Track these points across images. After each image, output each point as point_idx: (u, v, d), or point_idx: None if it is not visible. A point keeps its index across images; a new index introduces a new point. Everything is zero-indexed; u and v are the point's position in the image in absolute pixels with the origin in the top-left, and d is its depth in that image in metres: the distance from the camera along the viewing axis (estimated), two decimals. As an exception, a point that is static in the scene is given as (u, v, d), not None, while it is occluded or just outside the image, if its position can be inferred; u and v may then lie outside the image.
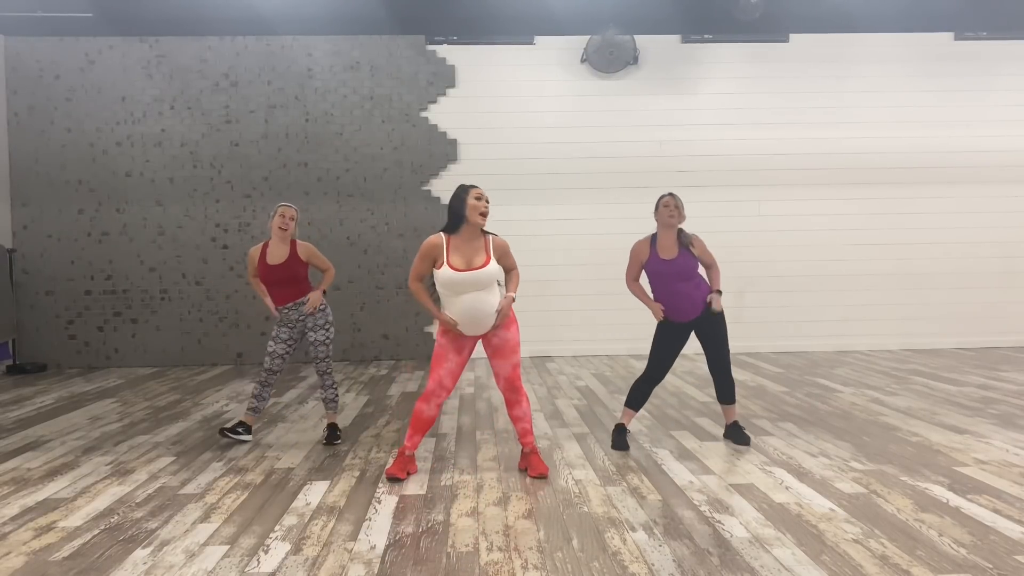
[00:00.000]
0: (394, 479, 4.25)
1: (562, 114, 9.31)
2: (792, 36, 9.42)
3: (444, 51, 9.27)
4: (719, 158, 9.35)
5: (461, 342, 4.27)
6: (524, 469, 4.40)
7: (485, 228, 4.26)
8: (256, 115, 9.15)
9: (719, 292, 4.86)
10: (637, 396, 4.99)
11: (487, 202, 4.19)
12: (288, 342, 5.13)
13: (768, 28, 9.20)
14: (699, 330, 4.88)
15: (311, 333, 5.16)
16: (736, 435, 4.97)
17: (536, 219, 9.21)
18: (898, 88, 9.44)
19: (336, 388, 5.30)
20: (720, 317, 4.85)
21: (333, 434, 5.17)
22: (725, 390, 4.95)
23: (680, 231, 4.92)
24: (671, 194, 4.96)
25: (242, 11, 8.65)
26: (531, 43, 9.32)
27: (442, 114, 9.27)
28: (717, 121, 9.36)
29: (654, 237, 4.93)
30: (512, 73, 9.31)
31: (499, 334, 4.26)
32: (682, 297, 4.80)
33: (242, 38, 9.12)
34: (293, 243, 5.17)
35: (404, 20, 9.02)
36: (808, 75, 9.42)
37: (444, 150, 9.26)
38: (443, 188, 9.25)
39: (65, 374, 8.66)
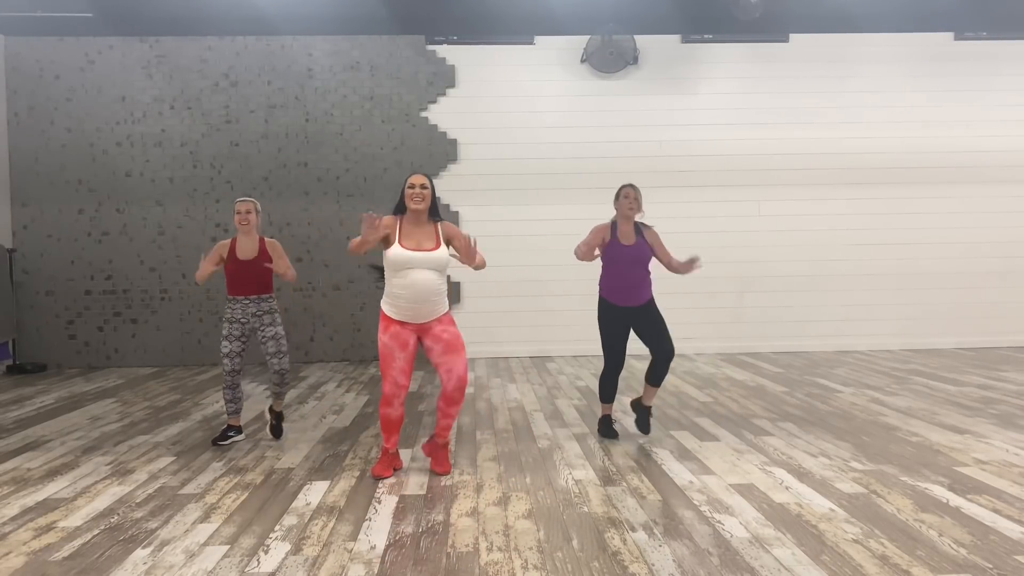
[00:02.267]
0: (380, 478, 4.29)
1: (562, 114, 9.31)
2: (792, 36, 9.42)
3: (444, 51, 9.26)
4: (719, 158, 9.35)
5: (404, 337, 4.23)
6: (428, 456, 4.49)
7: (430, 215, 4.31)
8: (256, 115, 9.15)
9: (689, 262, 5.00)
10: (608, 390, 5.20)
11: (422, 187, 4.23)
12: (241, 339, 5.11)
13: (768, 28, 9.20)
14: (638, 318, 5.07)
15: (267, 329, 5.12)
16: (642, 421, 5.17)
17: (536, 219, 9.20)
18: (898, 88, 9.43)
19: (290, 384, 5.36)
20: (656, 308, 5.08)
21: (279, 426, 5.28)
22: (659, 370, 5.06)
23: (637, 223, 5.14)
24: (631, 185, 5.13)
25: (242, 11, 8.64)
26: (531, 43, 9.32)
27: (442, 114, 9.26)
28: (717, 121, 9.36)
29: (614, 224, 5.12)
30: (512, 73, 9.30)
31: (448, 329, 4.27)
32: (633, 283, 5.02)
33: (242, 38, 9.12)
34: (261, 240, 5.20)
35: (404, 20, 9.02)
36: (808, 75, 9.42)
37: (444, 150, 9.26)
38: (443, 188, 9.24)
39: (65, 374, 8.66)
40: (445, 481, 4.23)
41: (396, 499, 3.94)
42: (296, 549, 3.29)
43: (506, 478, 4.28)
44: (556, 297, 9.20)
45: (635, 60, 9.24)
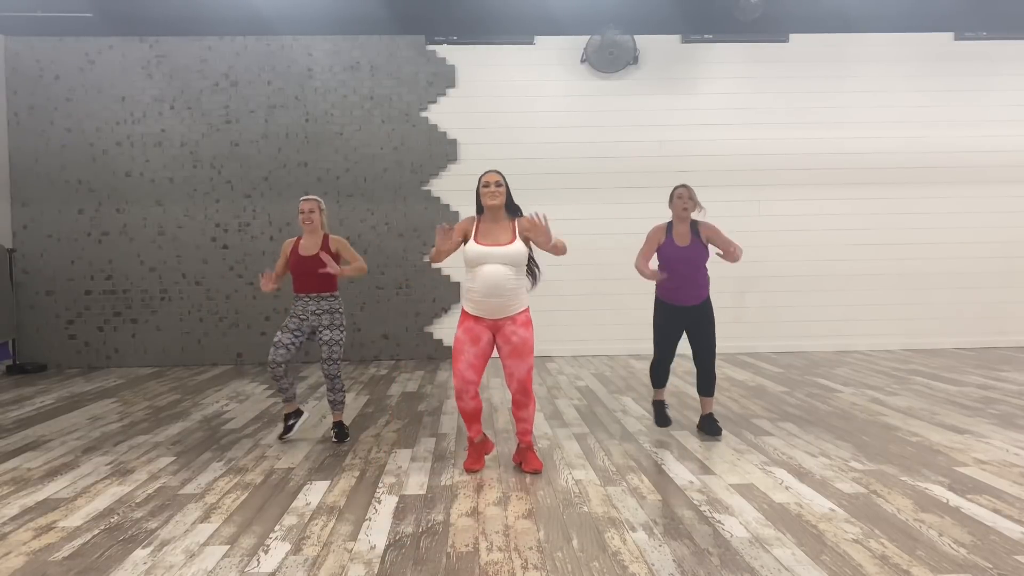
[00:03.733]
0: (471, 471, 4.37)
1: (562, 114, 9.31)
2: (792, 36, 9.42)
3: (444, 51, 9.26)
4: (719, 158, 9.34)
5: (476, 332, 4.28)
6: (518, 464, 4.46)
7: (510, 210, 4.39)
8: (256, 115, 9.15)
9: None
10: (659, 376, 5.34)
11: (496, 185, 4.33)
12: (295, 332, 5.06)
13: (768, 28, 9.20)
14: (692, 319, 5.12)
15: (324, 332, 5.08)
16: (710, 427, 5.15)
17: (536, 219, 9.19)
18: (898, 88, 9.43)
19: (344, 391, 5.29)
20: (711, 310, 5.15)
21: (341, 432, 5.20)
22: (706, 382, 5.20)
23: (694, 221, 5.10)
24: (684, 185, 5.13)
25: (242, 11, 8.65)
26: (531, 43, 9.31)
27: (442, 114, 9.26)
28: (717, 121, 9.36)
29: (670, 225, 5.14)
30: (512, 73, 9.30)
31: (518, 332, 4.29)
32: (688, 284, 5.05)
33: (242, 38, 9.12)
34: (325, 236, 5.16)
35: (404, 20, 9.02)
36: (808, 75, 9.42)
37: (444, 150, 9.26)
38: (443, 188, 9.25)
39: (65, 374, 8.66)
40: (445, 481, 4.23)
41: (396, 499, 3.94)
42: (296, 549, 3.29)
43: (506, 478, 4.28)
44: (556, 297, 9.19)
45: (635, 60, 9.23)
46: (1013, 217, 9.50)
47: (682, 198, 5.02)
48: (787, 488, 4.00)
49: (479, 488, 4.10)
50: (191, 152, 9.12)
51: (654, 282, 5.13)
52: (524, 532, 3.43)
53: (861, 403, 6.18)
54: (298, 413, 5.31)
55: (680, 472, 4.34)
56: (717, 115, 9.37)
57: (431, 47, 9.26)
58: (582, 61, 9.30)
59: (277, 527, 3.56)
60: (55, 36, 8.96)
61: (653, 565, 3.05)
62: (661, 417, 5.45)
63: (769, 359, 8.76)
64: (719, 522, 3.52)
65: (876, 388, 6.83)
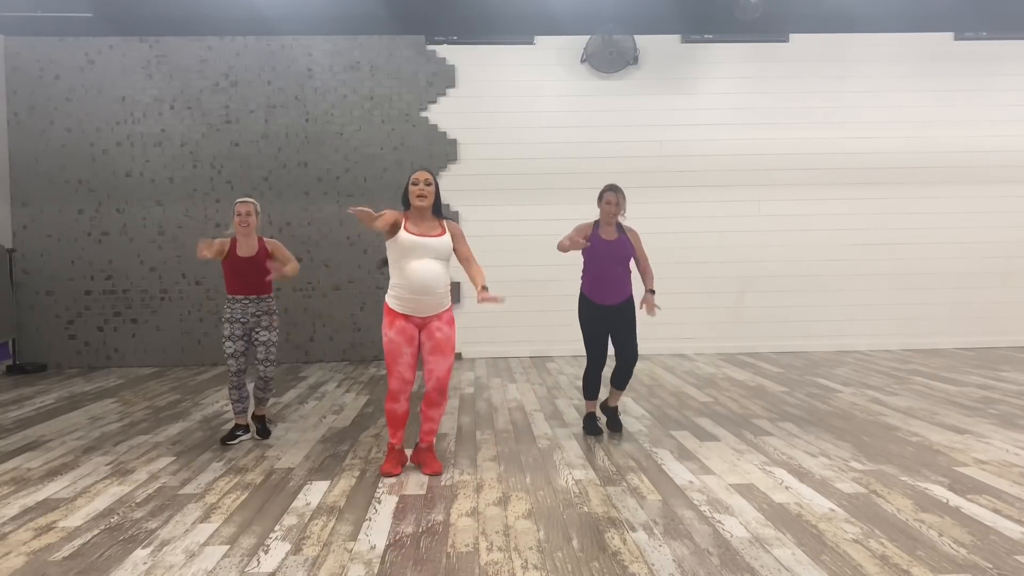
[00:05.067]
0: (388, 475, 4.32)
1: (562, 114, 9.31)
2: (792, 36, 9.42)
3: (444, 51, 9.26)
4: (719, 158, 9.34)
5: (409, 332, 4.25)
6: (417, 465, 4.46)
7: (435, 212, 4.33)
8: (256, 115, 9.15)
9: (652, 292, 5.13)
10: (592, 387, 5.28)
11: (426, 184, 4.24)
12: (244, 338, 5.11)
13: (768, 28, 9.19)
14: (616, 318, 5.15)
15: (262, 333, 5.14)
16: (611, 420, 5.31)
17: (536, 219, 9.18)
18: (898, 88, 9.43)
19: (273, 391, 5.39)
20: (633, 311, 5.17)
21: (264, 428, 5.29)
22: (621, 377, 5.25)
23: (619, 224, 5.23)
24: (613, 189, 5.15)
25: (242, 11, 8.64)
26: (531, 43, 9.31)
27: (442, 114, 9.26)
28: (717, 121, 9.36)
29: (597, 223, 5.25)
30: (512, 73, 9.30)
31: (443, 329, 4.28)
32: (613, 280, 5.11)
33: (242, 38, 9.11)
34: (260, 239, 5.23)
35: (404, 20, 9.02)
36: (808, 75, 9.42)
37: (444, 150, 9.26)
38: (443, 188, 9.08)
39: (65, 374, 8.66)
40: (445, 481, 4.23)
41: (396, 499, 3.94)
42: (296, 549, 3.29)
43: (506, 478, 4.28)
44: (556, 297, 9.17)
45: (635, 60, 9.23)
46: (1013, 217, 9.50)
47: (610, 203, 5.10)
48: (787, 488, 4.00)
49: (479, 488, 4.10)
50: (191, 152, 9.12)
51: (580, 252, 5.11)
52: (524, 532, 3.43)
53: (861, 403, 6.18)
54: (247, 429, 5.27)
55: (680, 472, 4.34)
56: (717, 115, 9.36)
57: (431, 47, 9.26)
58: (582, 61, 9.30)
59: (277, 527, 3.56)
60: (55, 36, 8.96)
61: (653, 565, 3.05)
62: (592, 426, 5.27)
63: (769, 359, 8.76)
64: (719, 522, 3.52)
65: (876, 388, 6.83)
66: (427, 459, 4.43)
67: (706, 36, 9.37)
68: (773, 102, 9.40)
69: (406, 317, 4.26)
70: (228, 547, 3.32)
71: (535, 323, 9.23)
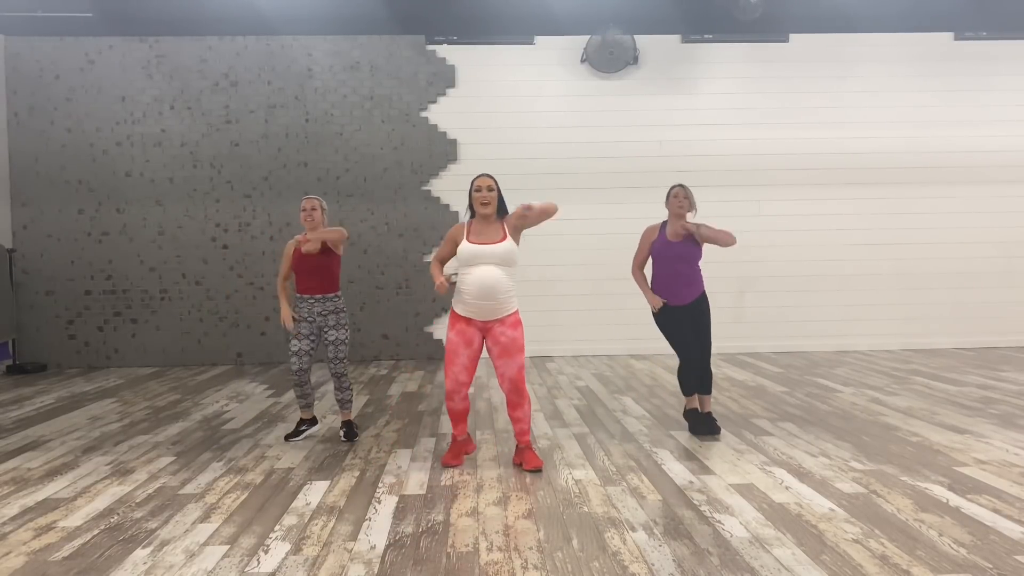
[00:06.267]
0: (448, 466, 4.46)
1: (562, 114, 9.31)
2: (792, 36, 9.41)
3: (444, 51, 9.26)
4: (719, 158, 9.34)
5: (469, 334, 4.33)
6: (519, 464, 4.48)
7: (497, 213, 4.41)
8: (256, 115, 9.15)
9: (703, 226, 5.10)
10: (689, 382, 5.20)
11: (488, 190, 4.35)
12: (310, 337, 5.09)
13: (768, 28, 9.19)
14: (687, 317, 5.15)
15: (330, 332, 5.12)
16: (709, 426, 5.16)
17: (536, 219, 9.19)
18: (898, 88, 9.43)
19: (351, 389, 5.30)
20: (707, 307, 5.18)
21: (351, 431, 5.22)
22: (705, 380, 5.20)
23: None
24: (681, 185, 5.24)
25: (242, 11, 8.64)
26: (531, 43, 9.31)
27: (442, 114, 9.26)
28: (717, 121, 9.36)
29: (664, 223, 5.26)
30: (512, 73, 9.30)
31: (507, 333, 4.32)
32: (682, 280, 5.09)
33: (242, 38, 9.11)
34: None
35: (404, 20, 9.02)
36: (808, 75, 9.41)
37: (444, 150, 9.26)
38: (443, 188, 9.25)
39: (65, 374, 8.66)
40: (445, 481, 4.23)
41: (396, 499, 3.94)
42: (296, 549, 3.29)
43: (506, 478, 4.28)
44: (556, 297, 9.20)
45: (635, 60, 9.23)
46: (1013, 217, 9.50)
47: (678, 197, 5.15)
48: (787, 488, 4.00)
49: (479, 488, 4.10)
50: (191, 152, 9.12)
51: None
52: (524, 532, 3.43)
53: (861, 403, 6.18)
54: (313, 421, 5.33)
55: (680, 472, 4.34)
56: (717, 115, 9.36)
57: (431, 47, 9.26)
58: (582, 61, 9.30)
59: (277, 527, 3.56)
60: (55, 36, 8.96)
61: (653, 565, 3.05)
62: (695, 425, 5.19)
63: (769, 359, 8.76)
64: (719, 522, 3.52)
65: (876, 388, 6.83)
66: (527, 457, 4.46)
67: (706, 36, 9.37)
68: (773, 102, 9.40)
69: (468, 320, 4.35)
70: (228, 547, 3.32)
71: (535, 323, 9.20)
